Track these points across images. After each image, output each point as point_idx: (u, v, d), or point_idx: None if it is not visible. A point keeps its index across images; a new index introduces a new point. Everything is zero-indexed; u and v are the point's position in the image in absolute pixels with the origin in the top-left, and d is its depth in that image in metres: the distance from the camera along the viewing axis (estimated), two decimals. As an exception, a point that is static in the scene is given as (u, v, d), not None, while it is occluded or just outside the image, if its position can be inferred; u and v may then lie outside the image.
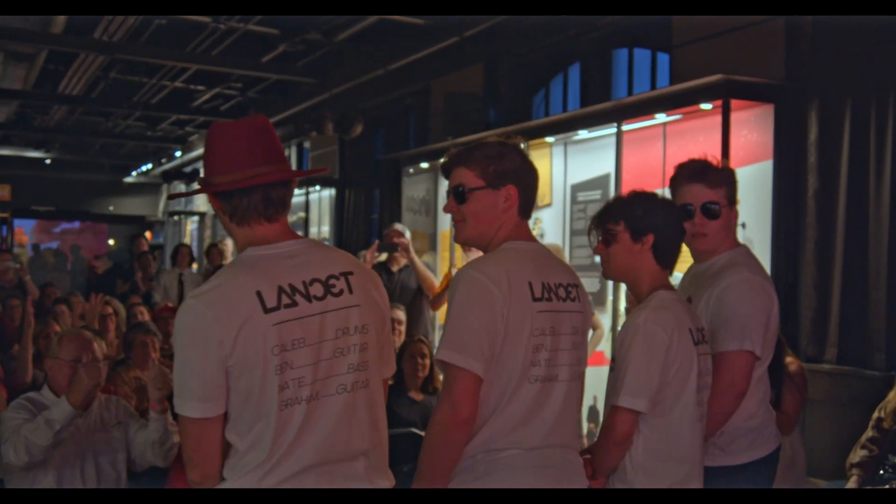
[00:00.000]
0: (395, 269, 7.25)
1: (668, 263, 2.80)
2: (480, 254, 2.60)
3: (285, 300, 2.05)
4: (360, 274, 2.21)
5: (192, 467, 2.10)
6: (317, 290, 2.11)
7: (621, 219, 2.77)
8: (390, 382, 2.29)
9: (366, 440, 2.15)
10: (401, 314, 6.32)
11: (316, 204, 12.82)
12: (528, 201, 2.55)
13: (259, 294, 2.03)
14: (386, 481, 2.21)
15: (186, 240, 19.49)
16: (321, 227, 12.81)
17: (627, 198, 2.85)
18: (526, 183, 2.54)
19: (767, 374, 3.06)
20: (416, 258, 7.15)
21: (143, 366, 5.20)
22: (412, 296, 7.17)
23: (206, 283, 2.10)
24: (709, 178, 3.03)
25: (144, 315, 7.37)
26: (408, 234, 7.34)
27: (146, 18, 9.66)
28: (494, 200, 2.51)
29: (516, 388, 2.39)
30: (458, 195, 2.54)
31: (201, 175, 2.23)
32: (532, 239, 2.57)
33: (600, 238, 2.83)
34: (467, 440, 2.37)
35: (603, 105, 6.99)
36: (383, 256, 7.20)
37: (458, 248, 7.69)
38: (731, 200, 3.07)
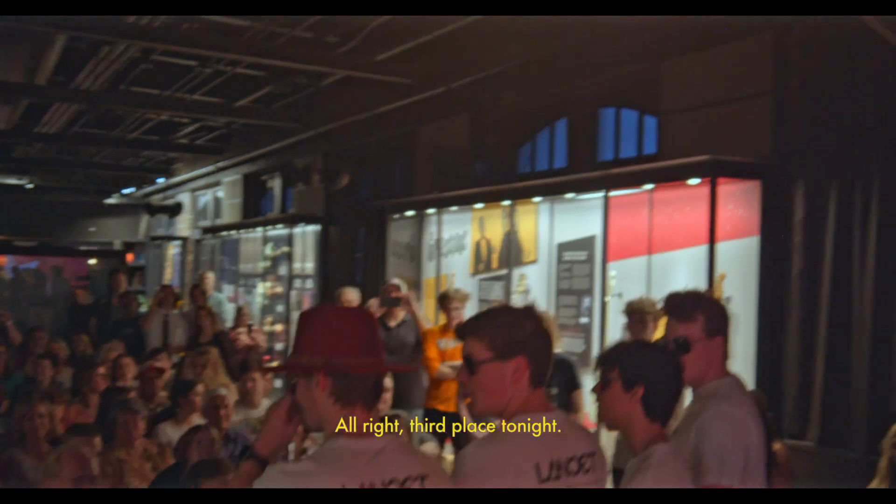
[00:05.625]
0: (392, 324, 7.27)
1: (661, 416, 2.71)
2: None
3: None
4: (435, 481, 2.25)
5: None
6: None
7: (616, 366, 2.73)
8: None
9: None
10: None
11: (300, 239, 12.67)
12: (540, 370, 2.49)
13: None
14: None
15: (167, 264, 19.33)
16: (305, 263, 12.66)
17: (625, 345, 2.83)
18: (537, 351, 2.48)
19: None
20: (417, 309, 7.21)
21: (127, 446, 5.17)
22: (410, 352, 7.18)
23: (295, 465, 2.19)
24: (680, 313, 3.10)
25: (131, 369, 7.33)
26: (404, 288, 7.42)
27: (130, 63, 9.63)
28: (503, 372, 2.45)
29: None
30: (469, 367, 2.51)
31: (294, 352, 2.31)
32: (548, 409, 2.50)
33: (598, 380, 2.79)
34: None
35: (591, 174, 7.05)
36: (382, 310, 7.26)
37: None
38: (713, 331, 3.08)
